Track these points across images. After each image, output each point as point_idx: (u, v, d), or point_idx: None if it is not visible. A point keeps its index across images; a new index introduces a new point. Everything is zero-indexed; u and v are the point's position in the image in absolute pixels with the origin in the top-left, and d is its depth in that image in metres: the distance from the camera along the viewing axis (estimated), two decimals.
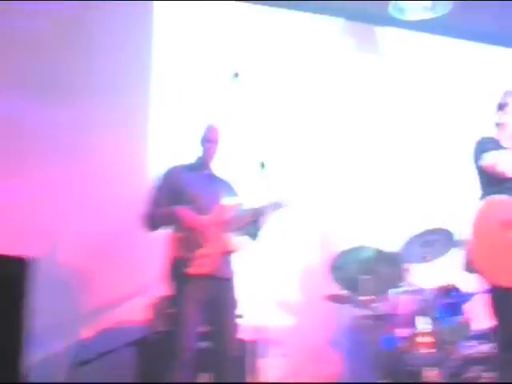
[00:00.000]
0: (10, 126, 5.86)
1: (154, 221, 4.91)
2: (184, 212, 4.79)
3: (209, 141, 5.05)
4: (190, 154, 5.10)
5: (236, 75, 4.48)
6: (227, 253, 4.87)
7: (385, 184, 7.01)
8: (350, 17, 7.34)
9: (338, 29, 7.37)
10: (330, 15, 7.33)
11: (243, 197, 5.07)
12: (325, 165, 6.72)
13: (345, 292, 5.93)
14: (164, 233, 4.86)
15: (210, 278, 4.74)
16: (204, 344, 4.87)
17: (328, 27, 7.36)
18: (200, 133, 5.07)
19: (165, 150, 6.25)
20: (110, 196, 6.04)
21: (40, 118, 5.97)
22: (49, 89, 6.02)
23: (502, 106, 4.39)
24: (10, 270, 1.99)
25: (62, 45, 6.16)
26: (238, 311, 4.89)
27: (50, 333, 5.51)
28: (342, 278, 5.88)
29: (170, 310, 4.95)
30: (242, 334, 4.93)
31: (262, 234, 4.72)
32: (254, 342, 5.17)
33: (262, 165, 4.31)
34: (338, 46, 7.33)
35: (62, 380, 5.12)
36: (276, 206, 4.59)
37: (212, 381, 4.80)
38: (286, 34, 7.12)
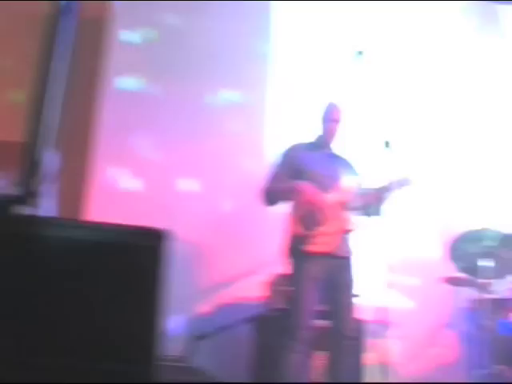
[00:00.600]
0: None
1: (274, 194, 4.92)
2: (306, 187, 4.79)
3: (331, 120, 5.02)
4: (311, 132, 5.10)
5: (360, 53, 4.45)
6: (346, 232, 4.86)
7: (506, 167, 6.83)
8: None
9: (461, 8, 7.22)
10: None
11: (364, 176, 5.04)
12: (448, 145, 6.59)
13: (463, 274, 5.83)
14: (283, 209, 4.89)
15: (328, 256, 4.72)
16: (320, 322, 4.89)
17: (450, 7, 7.21)
18: (322, 111, 5.06)
19: (285, 127, 6.27)
20: (230, 172, 6.12)
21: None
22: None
23: None
24: (150, 241, 2.03)
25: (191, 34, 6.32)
26: (354, 291, 4.89)
27: (170, 307, 5.62)
28: (461, 261, 5.78)
29: (287, 287, 4.98)
30: (358, 314, 4.92)
31: (382, 213, 4.68)
32: (370, 323, 5.15)
33: (387, 144, 4.28)
34: (460, 26, 7.17)
35: (179, 353, 5.21)
36: (398, 185, 4.55)
37: (328, 359, 4.80)
38: (408, 14, 7.02)
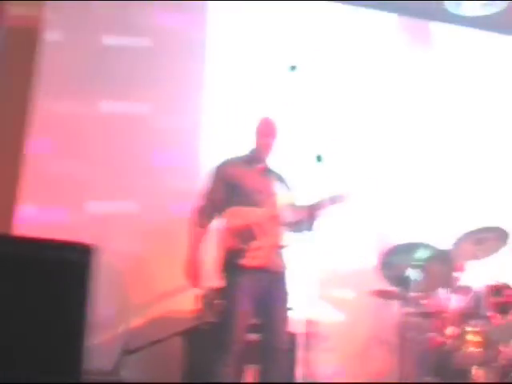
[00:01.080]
0: None
1: (203, 223, 4.95)
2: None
3: (265, 135, 5.03)
4: (245, 147, 5.11)
5: (293, 68, 4.45)
6: (280, 246, 4.87)
7: (439, 181, 6.95)
8: (405, 12, 7.29)
9: (393, 24, 7.34)
10: (384, 10, 7.31)
11: (298, 191, 5.05)
12: (380, 160, 6.67)
13: (394, 288, 5.89)
14: (217, 224, 4.88)
15: (262, 270, 4.73)
16: (253, 336, 4.88)
17: (382, 22, 7.32)
18: (256, 126, 5.06)
19: (219, 142, 6.27)
20: (165, 189, 6.11)
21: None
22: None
23: None
24: (76, 257, 2.00)
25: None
26: (288, 304, 4.89)
27: (101, 321, 5.59)
28: (392, 274, 5.84)
29: (220, 300, 4.96)
30: (291, 327, 4.92)
31: (315, 228, 4.69)
32: (303, 336, 5.16)
33: (319, 158, 4.28)
34: (392, 41, 7.29)
35: (110, 367, 5.14)
36: (331, 201, 4.56)
37: (260, 372, 4.79)
38: (342, 28, 7.11)
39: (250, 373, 4.97)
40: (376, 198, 5.92)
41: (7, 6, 5.27)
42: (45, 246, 2.04)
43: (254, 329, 4.85)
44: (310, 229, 4.90)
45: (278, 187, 5.02)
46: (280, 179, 5.11)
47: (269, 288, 4.77)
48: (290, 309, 4.91)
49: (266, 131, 5.03)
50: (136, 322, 5.83)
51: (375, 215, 6.55)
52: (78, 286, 1.99)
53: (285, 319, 4.82)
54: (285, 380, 4.81)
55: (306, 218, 4.82)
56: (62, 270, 1.98)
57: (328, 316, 6.04)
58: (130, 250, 5.92)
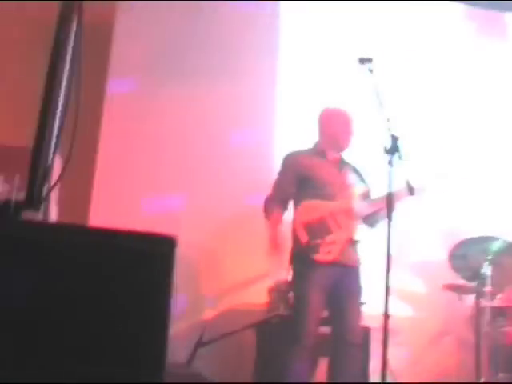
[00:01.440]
0: None
1: (269, 216, 4.93)
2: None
3: (341, 126, 5.01)
4: (314, 138, 5.09)
5: (363, 61, 4.40)
6: (353, 241, 4.85)
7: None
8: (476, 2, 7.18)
9: (461, 13, 7.22)
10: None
11: (372, 184, 5.01)
12: (452, 152, 6.56)
13: (465, 282, 5.80)
14: (289, 216, 4.88)
15: (336, 264, 4.72)
16: (326, 329, 4.88)
17: (451, 12, 7.21)
18: (329, 117, 5.04)
19: (292, 135, 6.24)
20: (239, 181, 6.12)
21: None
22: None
23: None
24: (159, 248, 2.01)
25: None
26: (361, 298, 4.87)
27: (176, 313, 5.63)
28: (464, 268, 5.76)
29: (293, 294, 4.97)
30: (364, 322, 4.90)
31: (388, 222, 4.65)
32: (376, 330, 5.13)
33: (393, 150, 4.22)
34: (461, 30, 7.17)
35: (182, 360, 5.19)
36: (405, 193, 4.50)
37: (332, 366, 4.78)
38: (411, 19, 7.01)
39: (324, 366, 4.94)
40: (448, 190, 5.82)
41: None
42: (126, 237, 2.05)
43: (327, 322, 4.86)
44: (384, 222, 4.86)
45: (352, 179, 4.99)
46: (354, 171, 5.08)
47: (341, 282, 4.75)
48: (363, 303, 4.90)
49: (342, 123, 5.00)
50: (209, 314, 5.88)
51: (447, 207, 6.45)
52: (162, 279, 2.00)
53: (357, 313, 4.80)
54: (357, 374, 4.79)
55: (380, 211, 4.77)
56: (144, 261, 1.99)
57: (399, 310, 5.98)
58: (202, 242, 5.94)
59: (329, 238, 4.73)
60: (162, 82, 6.25)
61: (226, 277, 6.00)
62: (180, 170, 6.13)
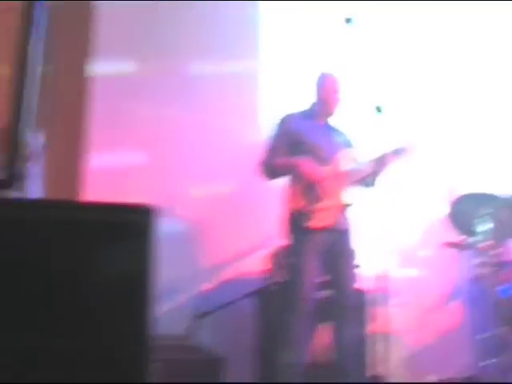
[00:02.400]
0: None
1: (272, 169, 4.91)
2: (306, 163, 4.76)
3: (329, 91, 4.97)
4: (306, 102, 5.06)
5: (349, 20, 4.36)
6: (345, 205, 4.84)
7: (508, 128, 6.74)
8: None
9: None
10: None
11: (360, 147, 4.98)
12: (445, 107, 6.48)
13: (464, 238, 5.79)
14: (282, 183, 4.87)
15: (329, 230, 4.72)
16: (323, 293, 4.89)
17: None
18: (317, 81, 5.01)
19: (279, 96, 6.18)
20: (226, 146, 6.07)
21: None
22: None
23: None
24: (136, 218, 1.99)
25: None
26: (355, 261, 4.88)
27: (172, 286, 5.67)
28: (462, 225, 5.74)
29: (288, 260, 4.97)
30: (360, 284, 4.90)
31: (380, 183, 4.63)
32: (373, 292, 5.13)
33: (378, 109, 4.20)
34: None
35: (182, 332, 5.19)
36: (394, 155, 4.48)
37: (332, 330, 4.80)
38: None
39: (323, 331, 4.96)
40: (442, 147, 5.78)
41: None
42: (102, 209, 2.02)
43: (324, 286, 4.88)
44: (374, 184, 4.85)
45: (342, 143, 4.98)
46: (342, 136, 5.06)
47: (335, 246, 4.77)
48: (357, 266, 4.91)
49: (330, 87, 4.97)
50: (206, 285, 5.87)
51: (442, 165, 6.39)
52: (141, 250, 1.98)
53: (352, 276, 4.81)
54: (357, 337, 4.80)
55: (370, 174, 4.76)
56: (122, 233, 1.97)
57: (399, 271, 5.97)
58: (198, 215, 5.94)
59: (321, 204, 4.72)
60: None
61: (222, 249, 5.98)
62: (173, 144, 6.09)
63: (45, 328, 1.86)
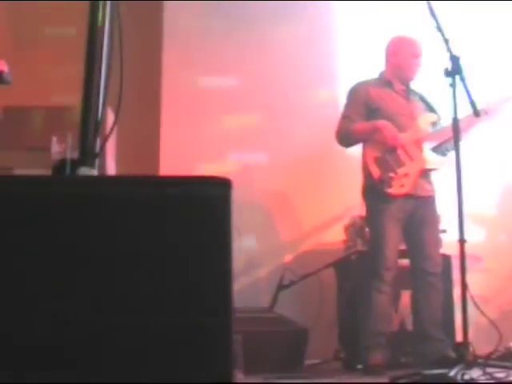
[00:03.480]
0: None
1: (350, 136, 4.87)
2: (385, 125, 4.69)
3: (406, 55, 4.87)
4: (379, 68, 4.99)
5: None
6: (426, 171, 4.77)
7: None
8: None
9: None
10: None
11: (442, 112, 4.85)
12: None
13: None
14: (357, 151, 4.84)
15: (409, 197, 4.69)
16: (405, 261, 4.84)
17: None
18: (395, 46, 4.92)
19: (353, 64, 6.07)
20: (300, 116, 6.03)
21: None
22: None
23: None
24: (212, 191, 1.98)
25: None
26: (440, 227, 4.81)
27: (256, 258, 5.72)
28: None
29: (369, 229, 4.93)
30: (445, 250, 4.82)
31: (457, 148, 4.50)
32: (457, 258, 5.05)
33: (455, 72, 4.06)
34: None
35: (266, 304, 5.21)
36: (472, 117, 4.35)
37: (414, 297, 4.76)
38: None
39: (406, 298, 4.91)
40: None
41: None
42: (180, 183, 2.02)
43: (406, 254, 4.82)
44: (457, 148, 4.73)
45: (420, 109, 4.89)
46: (423, 100, 4.97)
47: (416, 213, 4.73)
48: (443, 231, 4.83)
49: (409, 51, 4.87)
50: (288, 257, 5.88)
51: None
52: (219, 223, 1.97)
53: (436, 242, 4.76)
54: (441, 304, 4.74)
55: (450, 139, 4.65)
56: (200, 207, 1.96)
57: (479, 236, 5.85)
58: (277, 188, 5.95)
59: (401, 171, 4.67)
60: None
61: (302, 221, 5.97)
62: (250, 117, 6.08)
63: (129, 306, 1.87)
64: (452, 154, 4.57)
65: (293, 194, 5.97)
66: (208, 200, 1.95)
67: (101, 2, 2.45)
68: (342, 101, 5.09)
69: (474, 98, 4.00)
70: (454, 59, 3.95)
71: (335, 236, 5.61)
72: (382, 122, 4.71)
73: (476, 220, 5.83)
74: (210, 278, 1.91)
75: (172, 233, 1.93)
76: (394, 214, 4.66)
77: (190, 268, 1.91)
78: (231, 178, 2.00)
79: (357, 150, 4.91)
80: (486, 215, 6.02)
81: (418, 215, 4.72)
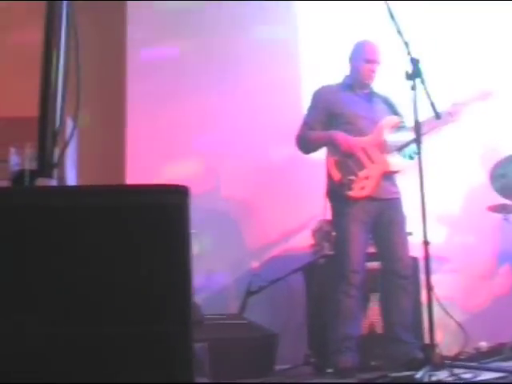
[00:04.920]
0: None
1: (308, 144, 4.91)
2: (340, 137, 4.72)
3: (369, 60, 4.89)
4: (344, 72, 5.01)
5: None
6: (389, 173, 4.78)
7: None
8: None
9: None
10: None
11: (405, 114, 4.87)
12: (483, 69, 6.27)
13: (507, 201, 5.65)
14: (322, 156, 4.85)
15: (372, 199, 4.70)
16: (373, 264, 4.85)
17: None
18: (356, 51, 4.94)
19: (317, 68, 6.08)
20: (264, 123, 6.03)
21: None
22: None
23: None
24: (169, 200, 1.98)
25: None
26: (406, 229, 4.82)
27: (221, 266, 5.70)
28: (505, 187, 5.59)
29: (334, 232, 4.94)
30: (412, 252, 4.84)
31: (424, 150, 4.52)
32: (424, 259, 5.07)
33: (415, 75, 4.07)
34: None
35: (235, 311, 5.21)
36: (433, 119, 4.37)
37: (384, 300, 4.77)
38: None
39: (375, 302, 4.92)
40: (481, 111, 5.62)
41: None
42: (138, 192, 2.02)
43: (373, 257, 4.84)
44: (419, 151, 4.76)
45: (383, 112, 4.90)
46: (385, 103, 4.99)
47: (382, 216, 4.74)
48: (409, 233, 4.84)
49: (370, 57, 4.89)
50: (256, 264, 5.87)
51: (482, 129, 6.20)
52: (176, 231, 1.96)
53: (404, 244, 4.75)
54: (410, 306, 4.75)
55: (414, 140, 4.66)
56: (157, 215, 1.96)
57: (445, 237, 5.89)
58: (241, 196, 5.95)
59: (362, 174, 4.68)
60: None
61: (268, 228, 5.97)
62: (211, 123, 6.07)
63: (86, 315, 1.87)
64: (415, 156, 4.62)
65: (258, 201, 5.97)
66: (165, 208, 1.95)
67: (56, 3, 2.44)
68: (306, 105, 5.10)
69: (434, 100, 4.03)
70: (414, 62, 3.98)
71: (303, 242, 5.62)
72: (335, 134, 4.75)
73: (443, 221, 5.88)
74: (167, 286, 1.91)
75: (131, 242, 1.92)
76: (358, 217, 4.67)
77: (149, 277, 1.91)
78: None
79: (322, 156, 4.91)
80: (453, 216, 6.05)
81: (385, 217, 4.73)
